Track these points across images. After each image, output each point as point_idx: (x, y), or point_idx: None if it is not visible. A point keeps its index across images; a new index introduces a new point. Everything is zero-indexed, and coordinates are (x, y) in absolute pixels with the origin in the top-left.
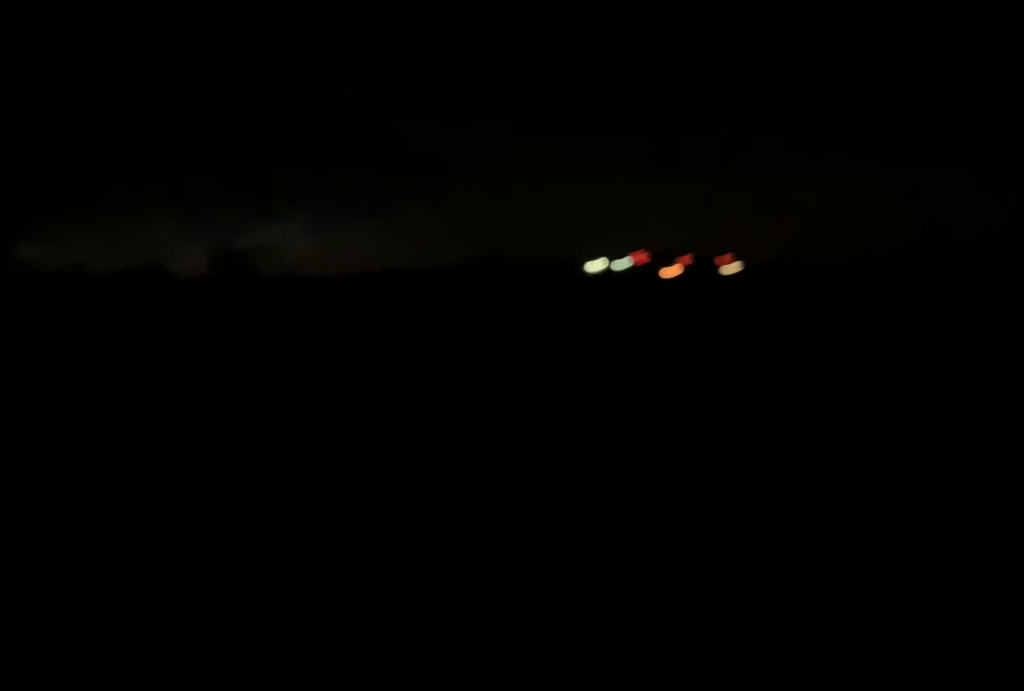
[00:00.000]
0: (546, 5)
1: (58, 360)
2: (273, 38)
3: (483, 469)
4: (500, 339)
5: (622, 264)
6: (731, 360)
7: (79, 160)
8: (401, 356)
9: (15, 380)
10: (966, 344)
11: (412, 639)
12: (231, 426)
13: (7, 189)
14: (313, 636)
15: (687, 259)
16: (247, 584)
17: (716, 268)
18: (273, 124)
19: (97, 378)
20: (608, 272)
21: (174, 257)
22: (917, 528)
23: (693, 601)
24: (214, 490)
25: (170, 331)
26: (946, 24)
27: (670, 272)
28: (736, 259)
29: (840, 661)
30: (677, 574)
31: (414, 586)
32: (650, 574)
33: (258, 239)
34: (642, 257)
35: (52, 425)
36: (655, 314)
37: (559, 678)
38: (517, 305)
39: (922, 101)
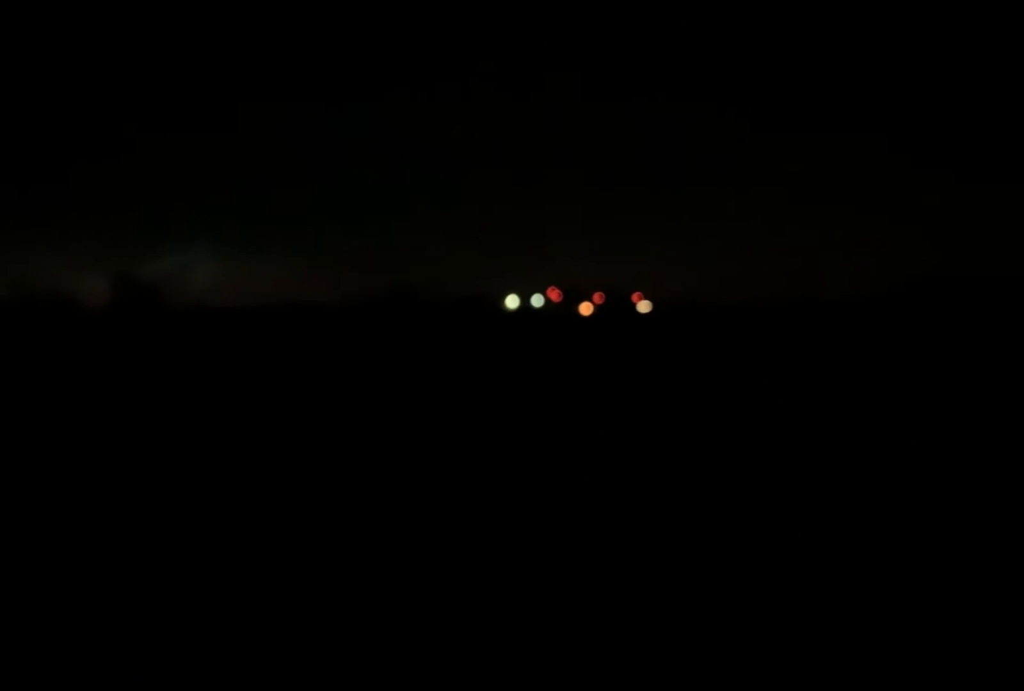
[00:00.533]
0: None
1: None
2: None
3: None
4: (423, 373)
5: (537, 300)
6: (666, 391)
7: None
8: (316, 390)
9: None
10: (877, 387)
11: (411, 640)
12: (139, 460)
13: None
14: (313, 637)
15: (599, 297)
16: (245, 590)
17: (632, 306)
18: (174, 148)
19: None
20: (526, 308)
21: (74, 285)
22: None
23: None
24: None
25: (72, 364)
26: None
27: (586, 309)
28: (645, 298)
29: (836, 661)
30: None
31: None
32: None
33: (163, 267)
34: (555, 294)
35: None
36: (584, 348)
37: (557, 679)
38: (438, 338)
39: (825, 136)
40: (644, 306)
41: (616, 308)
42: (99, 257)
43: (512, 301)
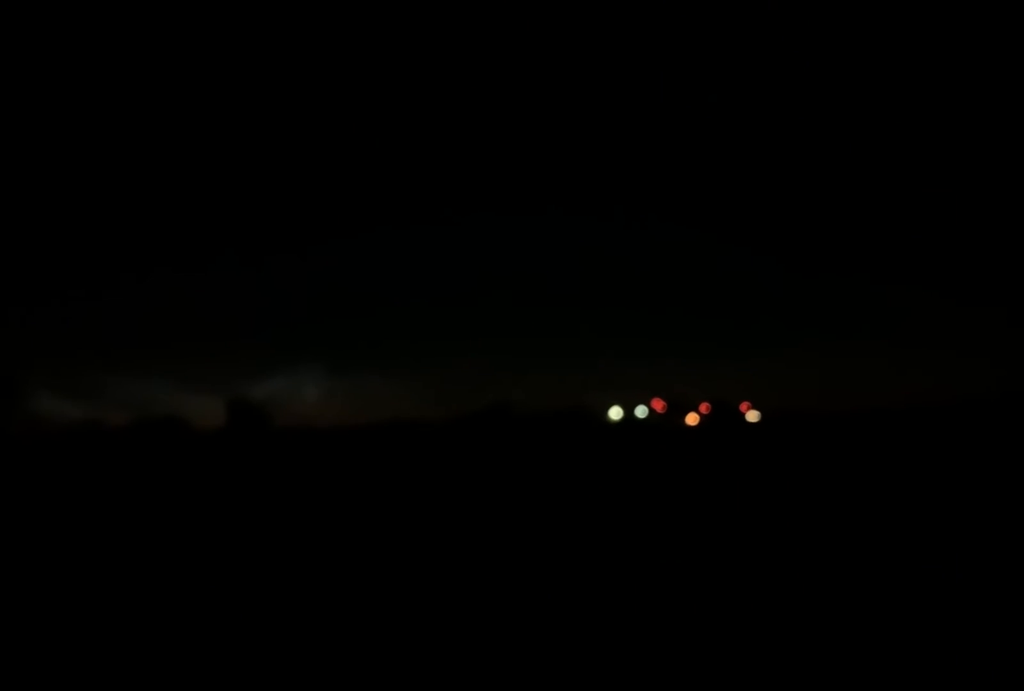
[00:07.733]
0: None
1: (71, 516)
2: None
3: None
4: (522, 487)
5: (641, 412)
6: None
7: (85, 315)
8: (418, 506)
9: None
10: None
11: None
12: (248, 584)
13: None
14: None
15: (704, 407)
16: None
17: (741, 416)
18: (283, 276)
19: (114, 533)
20: (630, 419)
21: (190, 408)
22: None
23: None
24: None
25: (188, 483)
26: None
27: (692, 419)
28: (753, 408)
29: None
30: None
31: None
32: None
33: (272, 389)
34: (660, 405)
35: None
36: (690, 459)
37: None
38: (539, 451)
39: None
40: (753, 416)
41: (723, 418)
42: (213, 380)
43: (615, 413)
